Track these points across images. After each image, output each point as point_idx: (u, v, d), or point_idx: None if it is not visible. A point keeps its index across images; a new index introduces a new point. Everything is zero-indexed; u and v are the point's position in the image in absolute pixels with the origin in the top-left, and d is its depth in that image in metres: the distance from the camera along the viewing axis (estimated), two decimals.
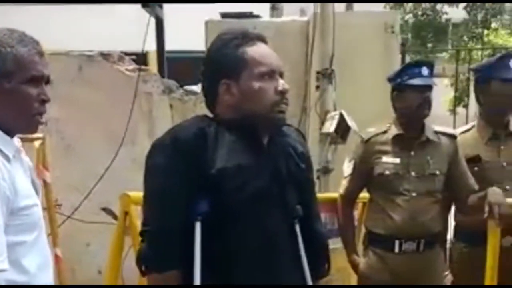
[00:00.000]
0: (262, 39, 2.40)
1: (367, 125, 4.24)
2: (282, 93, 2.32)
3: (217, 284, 2.27)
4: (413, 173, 3.73)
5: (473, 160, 3.99)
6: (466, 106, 11.05)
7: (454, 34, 19.57)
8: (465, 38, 19.29)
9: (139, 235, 2.34)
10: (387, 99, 4.00)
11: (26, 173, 2.24)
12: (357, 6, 6.60)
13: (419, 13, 18.99)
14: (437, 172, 3.76)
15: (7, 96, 2.11)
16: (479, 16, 19.15)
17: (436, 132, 3.83)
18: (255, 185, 2.29)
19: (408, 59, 7.15)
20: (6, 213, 2.03)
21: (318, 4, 5.29)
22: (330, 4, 5.24)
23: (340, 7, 5.81)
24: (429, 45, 18.77)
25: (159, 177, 2.25)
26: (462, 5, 19.03)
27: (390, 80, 3.89)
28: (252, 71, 2.30)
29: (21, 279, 2.11)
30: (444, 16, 19.25)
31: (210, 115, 2.42)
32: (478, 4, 19.08)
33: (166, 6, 6.40)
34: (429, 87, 3.76)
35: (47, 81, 2.22)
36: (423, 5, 19.23)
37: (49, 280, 2.27)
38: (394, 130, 3.81)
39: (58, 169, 5.05)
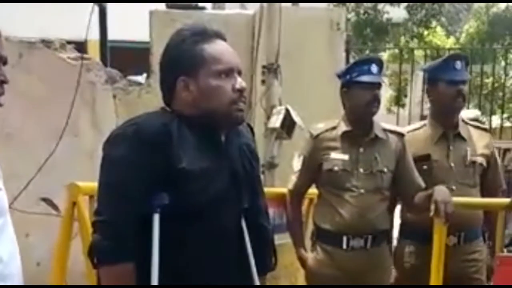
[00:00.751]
0: (221, 37, 2.39)
1: (312, 120, 4.24)
2: (240, 91, 2.32)
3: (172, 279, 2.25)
4: (361, 170, 3.75)
5: (423, 159, 4.03)
6: (403, 106, 11.20)
7: (395, 34, 19.75)
8: (405, 37, 19.50)
9: (91, 226, 2.29)
10: (332, 95, 4.02)
11: None
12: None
13: (361, 11, 19.14)
14: (385, 169, 3.78)
15: None
16: (419, 16, 19.36)
17: (385, 130, 3.86)
18: (216, 187, 2.30)
19: (351, 56, 7.18)
20: None
21: None
22: None
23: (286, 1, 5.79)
24: (370, 43, 18.92)
25: (119, 167, 2.21)
26: (403, 4, 19.23)
27: (339, 76, 3.90)
28: (210, 69, 2.29)
29: None
30: (385, 16, 19.44)
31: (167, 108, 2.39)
32: (419, 4, 19.29)
33: None
34: (378, 85, 3.78)
35: (5, 61, 2.16)
36: (365, 4, 19.39)
37: (19, 268, 2.23)
38: (343, 127, 3.81)
39: None
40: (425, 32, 19.38)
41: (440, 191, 3.63)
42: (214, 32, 2.37)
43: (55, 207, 5.27)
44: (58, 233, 3.47)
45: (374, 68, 3.76)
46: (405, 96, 14.29)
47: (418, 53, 12.91)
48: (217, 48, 2.32)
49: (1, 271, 2.09)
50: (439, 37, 19.11)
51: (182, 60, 2.31)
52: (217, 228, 2.32)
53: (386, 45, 19.51)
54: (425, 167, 4.01)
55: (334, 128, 3.84)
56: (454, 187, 3.92)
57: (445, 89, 3.98)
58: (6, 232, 2.14)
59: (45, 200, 5.31)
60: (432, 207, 3.57)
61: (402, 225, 4.27)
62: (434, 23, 19.50)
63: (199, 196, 2.24)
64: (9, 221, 2.18)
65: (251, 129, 2.62)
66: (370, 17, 19.22)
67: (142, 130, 2.20)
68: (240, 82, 2.32)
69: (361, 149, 3.77)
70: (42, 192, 5.23)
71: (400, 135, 3.91)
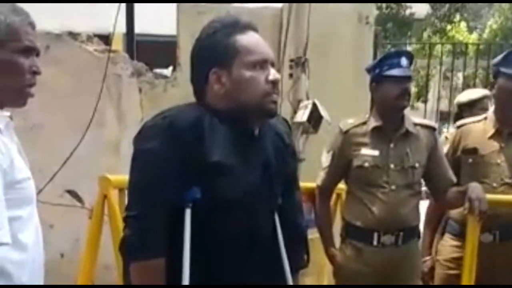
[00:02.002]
0: (254, 28, 2.33)
1: (340, 115, 4.20)
2: (274, 82, 2.26)
3: (203, 276, 2.21)
4: (392, 166, 3.69)
5: (470, 152, 3.99)
6: (425, 102, 11.13)
7: (418, 28, 19.67)
8: (428, 32, 19.41)
9: (122, 220, 2.25)
10: (360, 89, 3.98)
11: (14, 146, 2.16)
12: None
13: (384, 6, 19.06)
14: (417, 165, 3.72)
15: None
16: (443, 11, 19.26)
17: (416, 124, 3.80)
18: (247, 181, 2.26)
19: (379, 51, 7.11)
20: (3, 187, 1.96)
21: None
22: None
23: None
24: (392, 38, 18.83)
25: (151, 161, 2.17)
26: None
27: (368, 70, 3.84)
28: (243, 60, 2.24)
29: (19, 256, 2.05)
30: (408, 10, 19.35)
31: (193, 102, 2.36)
32: None
33: None
34: (408, 78, 3.72)
35: (38, 53, 2.14)
36: None
37: (42, 257, 2.22)
38: (373, 122, 3.76)
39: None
40: (448, 27, 19.25)
41: (475, 188, 3.58)
42: (246, 23, 2.32)
43: (79, 199, 5.27)
44: (89, 226, 3.45)
45: (404, 61, 3.70)
46: (427, 91, 14.19)
47: (440, 48, 12.79)
48: (250, 39, 2.28)
49: (25, 259, 2.08)
50: (461, 32, 18.97)
51: (215, 52, 2.26)
52: (249, 223, 2.28)
53: (408, 40, 19.41)
54: (470, 160, 3.98)
55: (364, 123, 3.79)
56: (495, 185, 3.89)
57: (504, 84, 3.91)
58: (32, 221, 2.13)
59: (70, 192, 5.30)
60: (466, 204, 3.52)
61: (446, 220, 4.24)
62: (457, 18, 19.37)
63: (231, 190, 2.20)
64: (35, 210, 2.17)
65: (287, 123, 2.57)
66: (392, 11, 19.14)
67: (175, 123, 2.15)
68: (273, 73, 2.27)
69: (392, 145, 3.72)
70: (67, 184, 5.22)
71: (432, 129, 3.85)
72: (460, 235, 4.04)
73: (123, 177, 2.32)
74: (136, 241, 2.14)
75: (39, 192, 5.03)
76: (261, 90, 2.24)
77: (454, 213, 4.10)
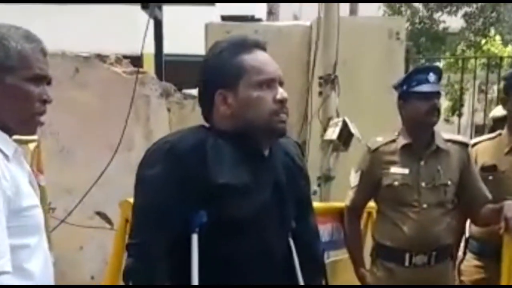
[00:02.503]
0: (261, 46, 2.28)
1: (370, 132, 4.13)
2: (282, 102, 2.20)
3: None
4: (423, 184, 3.60)
5: (489, 169, 3.88)
6: (459, 116, 11.02)
7: (452, 43, 19.51)
8: (462, 46, 19.24)
9: (125, 248, 2.19)
10: (390, 106, 3.90)
11: (24, 174, 2.12)
12: (361, 11, 6.48)
13: (416, 21, 18.96)
14: (449, 182, 3.62)
15: (7, 92, 2.02)
16: (477, 25, 19.10)
17: (447, 140, 3.71)
18: (257, 201, 2.19)
19: (411, 66, 7.03)
20: (7, 214, 1.92)
21: (322, 9, 5.16)
22: (334, 8, 5.11)
23: (344, 11, 5.68)
24: (425, 53, 18.72)
25: (154, 188, 2.11)
26: (460, 13, 18.99)
27: (396, 87, 3.77)
28: (250, 80, 2.19)
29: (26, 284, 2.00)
30: (442, 25, 19.23)
31: (206, 124, 2.30)
32: (476, 12, 19.04)
33: (166, 8, 6.27)
34: (436, 94, 3.63)
35: (49, 81, 2.12)
36: (421, 13, 19.20)
37: (51, 283, 2.17)
38: (402, 140, 3.68)
39: (51, 172, 4.91)
40: (483, 41, 19.06)
41: (511, 206, 3.47)
42: (254, 41, 2.27)
43: (109, 221, 5.27)
44: (112, 249, 3.42)
45: (431, 77, 3.62)
46: (462, 105, 14.06)
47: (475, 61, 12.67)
48: (257, 58, 2.22)
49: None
50: (496, 45, 18.76)
51: (221, 72, 2.21)
52: (260, 246, 2.21)
53: (442, 54, 19.25)
54: (490, 177, 3.85)
55: (393, 141, 3.71)
56: None
57: None
58: (40, 249, 2.08)
59: (99, 214, 5.31)
60: (502, 223, 3.42)
61: (468, 238, 4.12)
62: (492, 32, 19.18)
63: (239, 211, 2.13)
64: (44, 239, 2.13)
65: (299, 146, 2.51)
66: (425, 26, 19.01)
67: (176, 148, 2.10)
68: (281, 92, 2.20)
69: (422, 162, 3.63)
70: (96, 206, 5.23)
71: (464, 145, 3.75)
72: (482, 254, 3.96)
73: None
74: (140, 270, 2.08)
75: (69, 214, 5.09)
76: (269, 110, 2.18)
77: (475, 231, 4.01)
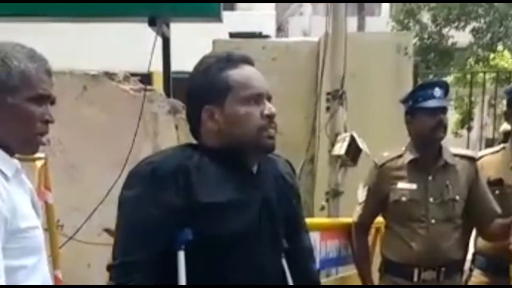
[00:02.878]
0: (248, 61, 2.25)
1: (378, 147, 4.13)
2: (269, 117, 2.16)
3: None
4: (431, 199, 3.59)
5: (495, 183, 3.85)
6: (469, 129, 11.00)
7: (460, 58, 19.50)
8: (470, 61, 19.23)
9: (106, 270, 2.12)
10: (399, 121, 3.89)
11: (26, 194, 2.11)
12: (368, 26, 6.48)
13: (425, 36, 18.97)
14: (457, 197, 3.61)
15: (9, 112, 2.01)
16: (485, 40, 19.10)
17: (455, 155, 3.69)
18: (244, 218, 2.13)
19: (419, 82, 7.02)
20: (4, 235, 1.91)
21: (330, 24, 5.17)
22: (342, 24, 5.11)
23: (352, 27, 5.68)
24: (434, 68, 18.71)
25: (136, 209, 2.06)
26: (468, 29, 19.00)
27: (403, 102, 3.77)
28: (237, 96, 2.15)
29: None
30: (450, 40, 19.24)
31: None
32: (484, 27, 19.04)
33: (173, 25, 6.28)
34: (442, 109, 3.62)
35: (53, 101, 2.12)
36: (429, 28, 19.22)
37: None
38: (409, 155, 3.67)
39: (59, 190, 4.91)
40: (491, 56, 19.05)
41: None
42: (240, 57, 2.24)
43: None
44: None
45: (437, 92, 3.60)
46: (472, 119, 14.04)
47: (485, 76, 12.65)
48: (243, 73, 2.19)
49: None
50: (506, 59, 18.74)
51: (207, 88, 2.17)
52: (250, 264, 2.15)
53: (450, 69, 19.25)
54: (497, 192, 3.83)
55: (400, 156, 3.71)
56: None
57: None
58: (38, 271, 2.07)
59: (108, 230, 5.28)
60: (511, 239, 3.40)
61: (475, 254, 4.09)
62: (500, 47, 19.17)
63: (224, 228, 2.07)
64: (44, 259, 2.11)
65: (290, 164, 2.44)
66: (434, 41, 19.02)
67: (158, 169, 2.06)
68: (269, 107, 2.16)
69: (430, 177, 3.62)
70: (105, 223, 5.21)
71: (472, 159, 3.74)
72: (490, 270, 3.94)
73: None
74: None
75: (77, 231, 5.08)
76: (257, 125, 2.14)
77: (483, 247, 3.99)
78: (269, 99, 2.20)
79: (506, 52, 19.04)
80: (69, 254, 4.97)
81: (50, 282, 2.17)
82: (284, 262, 2.30)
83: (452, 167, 3.64)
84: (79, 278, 5.22)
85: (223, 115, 2.15)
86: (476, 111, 14.16)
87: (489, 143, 10.21)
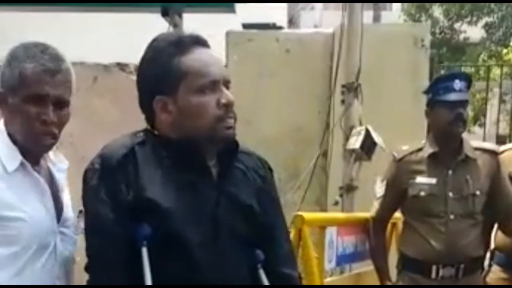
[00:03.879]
0: (201, 43, 2.04)
1: (394, 141, 4.05)
2: (226, 106, 1.98)
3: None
4: (450, 194, 3.51)
5: None
6: (482, 125, 10.87)
7: (473, 53, 19.34)
8: (483, 57, 19.07)
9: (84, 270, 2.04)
10: (415, 114, 3.81)
11: (33, 187, 2.08)
12: (384, 18, 6.38)
13: (437, 31, 18.80)
14: (477, 192, 3.53)
15: (11, 112, 2.06)
16: (498, 35, 18.93)
17: (476, 149, 3.60)
18: (196, 219, 1.96)
19: (435, 74, 6.92)
20: None
21: (346, 16, 5.08)
22: (357, 15, 5.02)
23: (368, 18, 5.59)
24: (446, 63, 18.59)
25: (92, 206, 1.96)
26: (480, 23, 18.85)
27: (425, 93, 3.69)
28: (190, 85, 1.98)
29: None
30: (463, 35, 19.08)
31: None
32: (497, 22, 18.88)
33: (186, 16, 6.19)
34: (461, 102, 3.52)
35: (58, 102, 2.09)
36: (441, 23, 19.06)
37: None
38: (429, 148, 3.58)
39: (70, 182, 4.84)
40: (504, 51, 18.90)
41: None
42: (192, 39, 2.03)
43: None
44: None
45: (457, 84, 3.51)
46: (484, 115, 13.89)
47: (497, 71, 12.50)
48: (197, 59, 2.00)
49: None
50: None
51: (157, 77, 2.00)
52: (215, 268, 1.97)
53: (462, 64, 19.12)
54: None
55: (419, 150, 3.62)
56: None
57: None
58: (14, 264, 2.01)
59: None
60: None
61: (494, 250, 4.01)
62: None
63: (175, 230, 1.93)
64: (26, 256, 2.04)
65: (267, 164, 2.24)
66: (446, 36, 18.88)
67: (106, 161, 1.96)
68: (226, 95, 1.98)
69: (450, 172, 3.53)
70: None
71: (493, 153, 3.65)
72: (508, 266, 3.87)
73: None
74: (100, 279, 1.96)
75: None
76: (213, 116, 1.97)
77: (502, 243, 3.90)
78: (226, 85, 2.03)
79: None
80: (80, 247, 4.90)
81: (41, 276, 2.09)
82: (262, 274, 2.10)
83: (473, 161, 3.55)
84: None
85: (176, 105, 1.99)
86: (488, 107, 14.05)
87: (502, 139, 10.10)
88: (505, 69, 13.20)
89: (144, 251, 1.91)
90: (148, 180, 1.94)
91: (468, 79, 3.61)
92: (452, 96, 3.50)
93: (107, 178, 1.94)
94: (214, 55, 2.07)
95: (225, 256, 2.00)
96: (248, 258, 2.07)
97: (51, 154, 2.21)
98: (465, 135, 3.60)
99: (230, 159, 2.09)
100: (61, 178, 2.26)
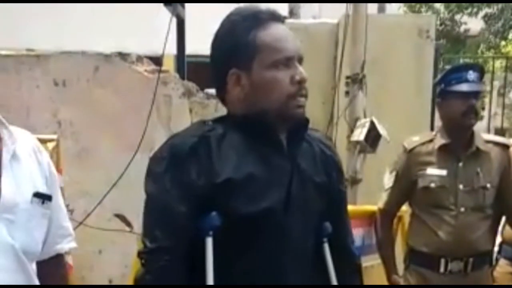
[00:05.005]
0: (278, 19, 2.04)
1: (399, 133, 4.01)
2: (300, 83, 1.97)
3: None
4: (461, 186, 3.45)
5: None
6: (481, 119, 10.82)
7: (472, 45, 19.31)
8: (482, 49, 19.04)
9: (137, 256, 2.00)
10: (420, 106, 3.75)
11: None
12: (389, 9, 6.32)
13: (437, 22, 18.75)
14: (488, 185, 3.47)
15: None
16: (497, 26, 18.88)
17: (487, 142, 3.54)
18: (271, 193, 1.96)
19: (440, 65, 6.87)
20: None
21: (350, 6, 5.01)
22: (362, 6, 4.96)
23: (372, 8, 5.52)
24: (445, 55, 18.55)
25: (159, 195, 1.93)
26: (480, 15, 18.80)
27: (436, 85, 3.65)
28: (265, 59, 1.97)
29: None
30: (463, 27, 19.03)
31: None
32: (497, 13, 18.83)
33: (188, 6, 6.11)
34: (475, 93, 3.46)
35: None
36: (441, 14, 19.01)
37: None
38: (440, 140, 3.52)
39: (71, 173, 4.78)
40: (502, 43, 18.88)
41: None
42: (269, 14, 2.02)
43: (128, 223, 5.12)
44: (135, 252, 3.27)
45: (471, 75, 3.45)
46: (483, 108, 13.83)
47: (496, 64, 12.44)
48: (272, 33, 1.99)
49: None
50: None
51: (233, 51, 1.99)
52: (278, 247, 1.97)
53: (461, 56, 19.06)
54: None
55: (430, 141, 3.56)
56: None
57: None
58: None
59: (119, 216, 5.16)
60: None
61: (502, 243, 3.96)
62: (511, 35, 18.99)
63: (248, 207, 1.91)
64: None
65: (331, 140, 2.30)
66: (447, 28, 18.83)
67: (176, 149, 1.93)
68: (300, 72, 1.97)
69: (461, 164, 3.47)
70: (116, 208, 5.08)
71: (505, 146, 3.59)
72: None
73: None
74: (147, 280, 1.94)
75: (87, 216, 4.95)
76: (285, 93, 1.96)
77: (509, 236, 3.87)
78: (300, 61, 2.01)
79: None
80: (79, 240, 4.83)
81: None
82: (326, 248, 2.13)
83: (484, 154, 3.50)
84: (90, 265, 5.11)
85: (249, 80, 1.99)
86: (486, 100, 14.01)
87: (498, 133, 10.06)
88: (503, 62, 13.14)
89: (209, 241, 1.90)
90: (222, 164, 1.92)
91: (481, 71, 3.55)
92: (465, 87, 3.44)
93: (175, 166, 1.91)
94: (289, 30, 2.04)
95: (293, 228, 2.00)
96: (315, 230, 2.09)
97: (5, 135, 2.03)
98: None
99: (300, 135, 2.08)
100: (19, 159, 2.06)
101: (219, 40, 2.06)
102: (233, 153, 1.94)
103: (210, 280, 1.89)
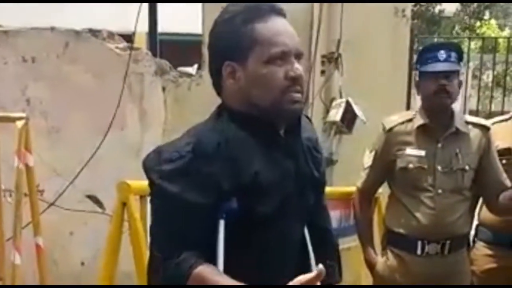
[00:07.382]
0: (279, 12, 1.98)
1: (375, 113, 3.96)
2: (294, 79, 1.92)
3: None
4: (439, 168, 3.40)
5: (503, 153, 3.69)
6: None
7: (447, 26, 19.39)
8: (457, 30, 19.12)
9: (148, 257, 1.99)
10: (396, 86, 3.70)
11: None
12: None
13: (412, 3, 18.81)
14: (467, 167, 3.43)
15: None
16: (472, 7, 18.97)
17: (467, 123, 3.50)
18: (283, 193, 1.99)
19: (415, 45, 6.83)
20: None
21: None
22: None
23: None
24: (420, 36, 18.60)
25: (180, 193, 1.88)
26: None
27: (415, 64, 3.61)
28: (261, 53, 1.92)
29: None
30: (437, 8, 19.10)
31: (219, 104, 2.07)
32: None
33: None
34: (446, 73, 3.40)
35: None
36: None
37: None
38: (419, 119, 3.48)
39: (40, 152, 4.68)
40: (477, 24, 18.96)
41: None
42: (270, 6, 1.98)
43: (100, 204, 5.03)
44: (107, 236, 3.22)
45: (442, 55, 3.40)
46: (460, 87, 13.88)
47: (471, 45, 12.47)
48: (271, 27, 1.94)
49: None
50: (492, 29, 18.62)
51: (229, 42, 1.95)
52: (282, 236, 2.03)
53: (436, 37, 19.13)
54: (504, 161, 3.66)
55: (410, 120, 3.51)
56: None
57: None
58: None
59: (90, 197, 5.06)
60: None
61: (478, 226, 3.93)
62: (487, 15, 19.06)
63: (269, 202, 1.95)
64: None
65: (310, 121, 2.28)
66: (421, 8, 18.87)
67: (199, 146, 1.89)
68: (295, 68, 1.93)
69: (440, 145, 3.43)
70: (87, 189, 4.98)
71: (485, 128, 3.55)
72: (493, 243, 3.81)
73: (144, 183, 2.03)
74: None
75: (58, 196, 4.86)
76: (277, 88, 1.92)
77: (487, 219, 3.83)
78: (298, 57, 1.97)
79: (493, 21, 18.94)
80: (50, 221, 4.76)
81: None
82: (305, 229, 2.16)
83: (464, 135, 3.46)
84: (61, 247, 5.02)
85: (244, 73, 1.95)
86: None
87: (473, 115, 10.08)
88: (478, 43, 13.15)
89: (221, 224, 1.90)
90: (247, 158, 1.94)
91: (456, 50, 3.49)
92: (435, 67, 3.40)
93: (200, 165, 1.88)
94: (289, 25, 2.00)
95: (293, 224, 2.08)
96: (304, 215, 2.14)
97: None
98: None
99: (296, 131, 2.07)
100: None
101: (216, 30, 2.02)
102: (249, 149, 1.95)
103: (220, 264, 1.90)
